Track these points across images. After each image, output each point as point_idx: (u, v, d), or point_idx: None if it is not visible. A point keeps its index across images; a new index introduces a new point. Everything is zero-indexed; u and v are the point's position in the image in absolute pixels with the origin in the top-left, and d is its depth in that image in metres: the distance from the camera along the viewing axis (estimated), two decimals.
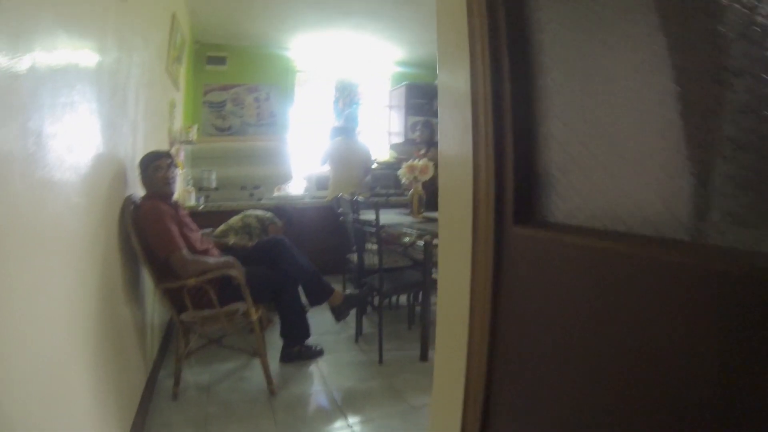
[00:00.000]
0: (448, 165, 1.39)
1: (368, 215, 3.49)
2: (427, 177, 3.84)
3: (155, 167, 2.66)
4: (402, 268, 3.66)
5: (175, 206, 2.84)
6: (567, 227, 0.96)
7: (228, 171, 5.81)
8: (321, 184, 5.94)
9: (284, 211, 4.68)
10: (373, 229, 3.22)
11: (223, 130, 6.02)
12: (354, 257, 3.88)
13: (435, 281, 3.43)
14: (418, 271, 3.67)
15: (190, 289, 2.50)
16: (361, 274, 3.53)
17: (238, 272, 2.61)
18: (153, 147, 3.13)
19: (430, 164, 3.83)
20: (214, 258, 2.73)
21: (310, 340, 3.29)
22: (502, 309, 1.08)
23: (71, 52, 1.54)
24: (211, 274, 2.53)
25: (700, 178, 0.68)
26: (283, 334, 3.19)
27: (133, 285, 2.53)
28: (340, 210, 4.04)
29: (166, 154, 2.82)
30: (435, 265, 3.21)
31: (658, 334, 0.66)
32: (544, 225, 1.02)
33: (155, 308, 3.08)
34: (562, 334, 0.89)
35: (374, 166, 5.80)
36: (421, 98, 7.02)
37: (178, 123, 4.49)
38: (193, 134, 4.51)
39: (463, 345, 1.18)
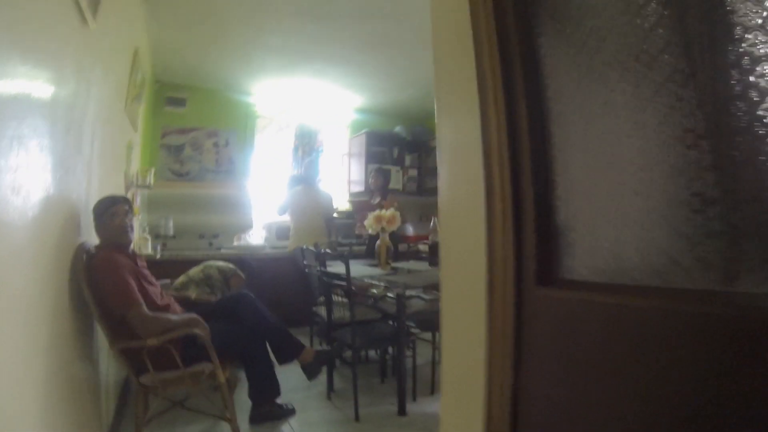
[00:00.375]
0: (450, 219, 1.31)
1: (334, 267, 3.38)
2: (394, 227, 3.76)
3: (111, 213, 2.45)
4: (372, 321, 3.52)
5: (133, 256, 2.63)
6: (595, 285, 0.89)
7: (186, 218, 5.57)
8: (281, 233, 5.76)
9: (245, 261, 4.49)
10: (342, 282, 3.09)
11: (181, 175, 5.78)
12: (321, 310, 3.73)
13: (409, 334, 3.35)
14: (388, 324, 3.56)
15: (151, 349, 2.27)
16: (330, 329, 3.37)
17: (203, 330, 2.40)
18: (109, 191, 2.92)
19: (397, 214, 3.76)
20: (177, 315, 2.51)
21: (281, 399, 3.06)
22: (525, 378, 0.98)
23: (24, 80, 1.39)
24: (174, 333, 2.31)
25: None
26: (252, 394, 2.95)
27: (86, 340, 2.27)
28: (305, 262, 3.90)
29: (123, 200, 2.60)
30: (408, 318, 3.10)
31: (705, 390, 0.62)
32: (569, 284, 0.94)
33: (110, 364, 2.78)
34: (597, 405, 0.80)
35: (335, 215, 5.68)
36: (381, 146, 7.02)
37: (135, 166, 4.27)
38: (150, 178, 4.29)
39: (478, 418, 1.06)
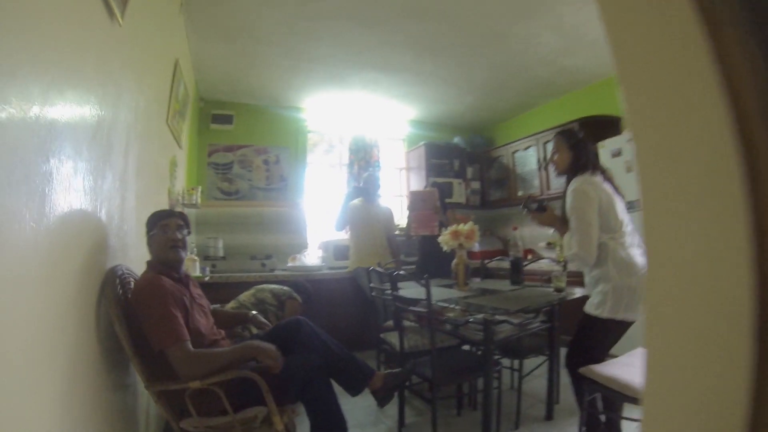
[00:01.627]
0: (668, 218, 0.83)
1: (403, 289, 2.96)
2: (473, 243, 3.29)
3: (162, 227, 2.18)
4: (449, 349, 3.04)
5: (186, 280, 2.30)
6: None
7: (236, 238, 5.27)
8: (339, 253, 5.35)
9: (300, 284, 4.08)
10: (419, 309, 2.68)
11: (229, 194, 5.48)
12: (389, 336, 3.26)
13: (496, 363, 2.83)
14: (468, 352, 3.12)
15: (194, 391, 1.86)
16: (402, 358, 2.90)
17: (270, 358, 2.03)
18: (148, 210, 2.59)
19: (476, 228, 3.29)
20: (229, 348, 2.06)
21: None
22: None
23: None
24: (223, 375, 1.89)
25: None
26: None
27: (120, 376, 1.93)
28: (371, 284, 3.46)
29: (179, 214, 2.31)
30: (493, 344, 2.60)
31: None
32: None
33: (150, 403, 2.43)
34: None
35: (396, 232, 5.22)
36: (441, 158, 6.57)
37: (181, 184, 3.96)
38: (197, 197, 3.98)
39: None
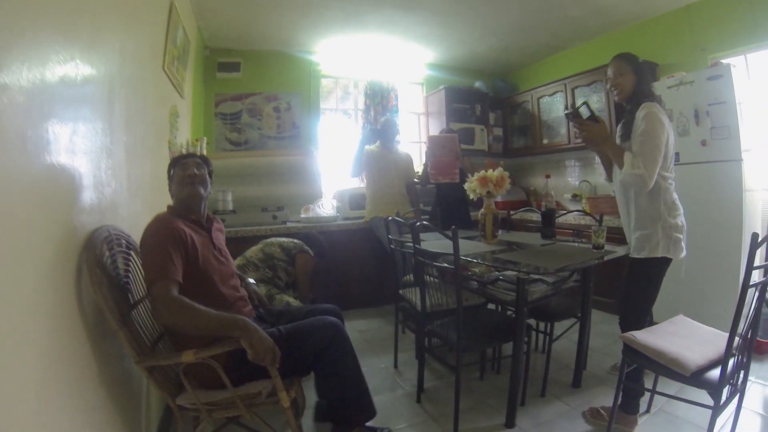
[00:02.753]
0: None
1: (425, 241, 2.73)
2: (503, 191, 3.02)
3: (182, 165, 2.10)
4: (475, 308, 2.83)
5: (207, 224, 2.18)
6: None
7: (246, 191, 5.00)
8: (355, 202, 5.11)
9: (313, 237, 3.87)
10: (445, 265, 2.43)
11: (238, 145, 5.20)
12: (409, 293, 3.05)
13: (527, 327, 2.60)
14: (496, 312, 2.92)
15: (189, 364, 1.67)
16: (424, 317, 2.68)
17: (265, 354, 1.68)
18: (143, 164, 2.36)
19: (506, 175, 3.01)
20: (221, 314, 1.72)
21: (375, 421, 2.26)
22: None
23: None
24: (214, 348, 1.67)
25: None
26: (335, 415, 2.17)
27: (109, 346, 1.72)
28: (390, 236, 3.22)
29: (201, 157, 2.21)
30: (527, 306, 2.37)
31: None
32: None
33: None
34: None
35: (415, 180, 4.94)
36: (461, 103, 6.20)
37: (185, 135, 3.71)
38: (202, 148, 3.73)
39: None
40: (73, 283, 1.46)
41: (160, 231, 1.82)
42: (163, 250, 1.75)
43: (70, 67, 1.46)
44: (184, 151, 3.47)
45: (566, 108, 2.48)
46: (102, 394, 1.59)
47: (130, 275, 1.87)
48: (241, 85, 5.24)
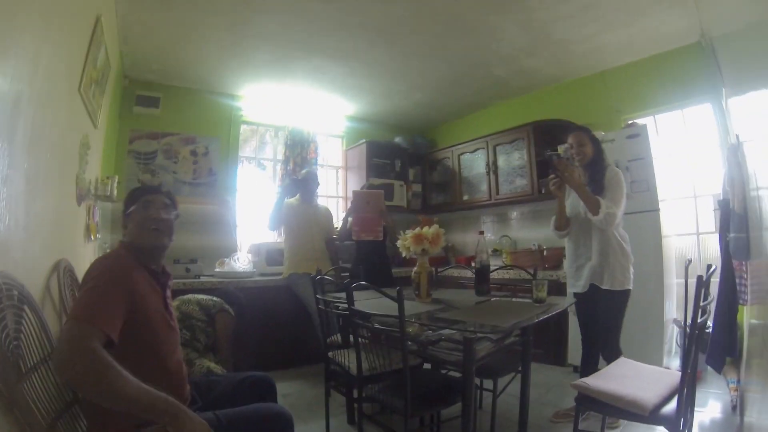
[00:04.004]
0: None
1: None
2: (438, 248, 2.91)
3: (145, 202, 1.80)
4: (413, 369, 2.64)
5: (163, 280, 1.84)
6: None
7: None
8: (271, 257, 4.83)
9: (231, 293, 3.55)
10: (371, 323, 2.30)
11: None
12: (340, 356, 2.81)
13: (475, 390, 2.47)
14: (438, 374, 2.78)
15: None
16: (360, 382, 2.45)
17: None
18: (44, 197, 2.00)
19: (441, 232, 2.91)
20: (142, 387, 1.29)
21: None
22: None
23: None
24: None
25: None
26: None
27: None
28: (318, 296, 2.99)
29: (167, 192, 1.93)
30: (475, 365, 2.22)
31: None
32: None
33: None
34: None
35: (334, 236, 4.75)
36: (382, 158, 6.18)
37: (94, 172, 3.31)
38: (113, 188, 3.34)
39: None
40: None
41: (110, 271, 1.53)
42: (104, 293, 1.44)
43: None
44: (92, 190, 3.09)
45: (549, 151, 2.91)
46: None
47: (22, 336, 1.48)
48: (158, 123, 4.86)
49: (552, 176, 3.01)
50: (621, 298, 2.88)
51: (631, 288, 2.89)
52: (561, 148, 3.11)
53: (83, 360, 1.23)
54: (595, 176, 2.96)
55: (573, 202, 3.08)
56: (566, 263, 3.25)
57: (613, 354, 2.81)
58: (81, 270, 2.86)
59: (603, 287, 2.87)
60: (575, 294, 3.08)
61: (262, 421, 1.68)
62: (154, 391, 1.30)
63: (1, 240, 1.48)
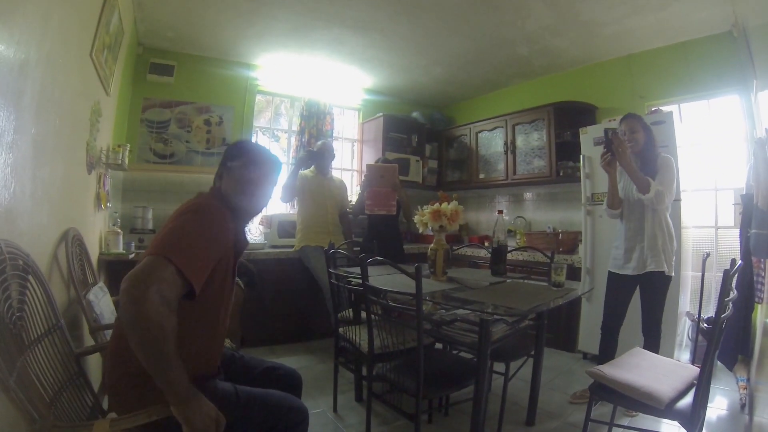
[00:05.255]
0: None
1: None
2: (456, 226, 2.84)
3: (263, 171, 1.70)
4: (425, 349, 2.59)
5: (243, 242, 1.73)
6: None
7: (168, 209, 4.45)
8: (283, 229, 4.79)
9: (243, 266, 3.51)
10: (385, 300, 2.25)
11: (164, 157, 4.70)
12: (350, 333, 2.78)
13: (490, 371, 2.44)
14: (451, 355, 2.71)
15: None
16: (372, 361, 2.42)
17: (201, 425, 1.23)
18: (52, 164, 1.95)
19: (461, 209, 2.84)
20: (180, 371, 1.22)
21: None
22: None
23: None
24: (138, 417, 1.25)
25: None
26: None
27: None
28: (330, 270, 2.94)
29: (279, 165, 1.85)
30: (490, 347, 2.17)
31: None
32: None
33: None
34: None
35: (348, 209, 4.69)
36: (400, 132, 6.08)
37: (105, 140, 3.27)
38: (124, 157, 3.30)
39: None
40: None
41: (215, 224, 1.44)
42: (203, 245, 1.37)
43: None
44: (103, 158, 3.05)
45: (606, 133, 2.95)
46: None
47: (25, 308, 1.44)
48: (172, 92, 4.78)
49: (605, 152, 2.96)
50: (667, 282, 2.89)
51: (673, 275, 2.90)
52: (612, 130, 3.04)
53: (155, 314, 1.15)
54: (648, 163, 2.92)
55: (625, 185, 3.05)
56: (615, 245, 3.18)
57: (655, 333, 2.87)
58: (90, 239, 2.84)
59: (656, 270, 2.85)
60: (617, 275, 3.06)
61: (278, 409, 1.58)
62: (184, 378, 1.22)
63: (6, 208, 1.44)
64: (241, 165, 1.67)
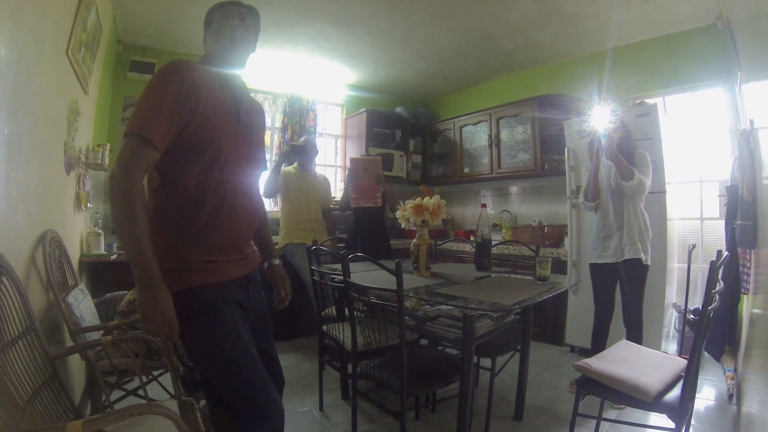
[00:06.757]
0: None
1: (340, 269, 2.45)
2: (439, 221, 2.83)
3: (225, 13, 1.63)
4: (410, 345, 2.59)
5: (238, 90, 1.65)
6: None
7: None
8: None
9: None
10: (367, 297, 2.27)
11: None
12: (334, 330, 2.77)
13: (476, 368, 2.45)
14: (435, 351, 2.69)
15: None
16: (356, 358, 2.41)
17: (153, 321, 1.29)
18: (27, 164, 1.91)
19: (443, 203, 2.83)
20: (144, 246, 1.32)
21: None
22: None
23: None
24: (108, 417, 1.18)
25: None
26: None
27: None
28: (313, 267, 2.93)
29: (246, 6, 1.71)
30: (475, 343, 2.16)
31: None
32: None
33: None
34: None
35: (332, 206, 4.66)
36: (384, 127, 6.05)
37: (85, 139, 3.21)
38: (105, 157, 3.25)
39: None
40: None
41: (163, 81, 1.39)
42: (156, 102, 1.35)
43: None
44: (82, 158, 3.00)
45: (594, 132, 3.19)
46: None
47: None
48: None
49: (591, 140, 3.16)
50: (644, 270, 3.05)
51: (650, 265, 3.07)
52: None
53: (115, 180, 1.31)
54: (625, 158, 3.05)
55: (606, 174, 3.20)
56: (592, 235, 3.32)
57: (636, 324, 3.03)
58: (70, 241, 2.78)
59: (634, 257, 3.01)
60: (597, 266, 3.21)
61: (253, 389, 1.46)
62: (148, 250, 1.31)
63: None
64: (211, 21, 1.67)
